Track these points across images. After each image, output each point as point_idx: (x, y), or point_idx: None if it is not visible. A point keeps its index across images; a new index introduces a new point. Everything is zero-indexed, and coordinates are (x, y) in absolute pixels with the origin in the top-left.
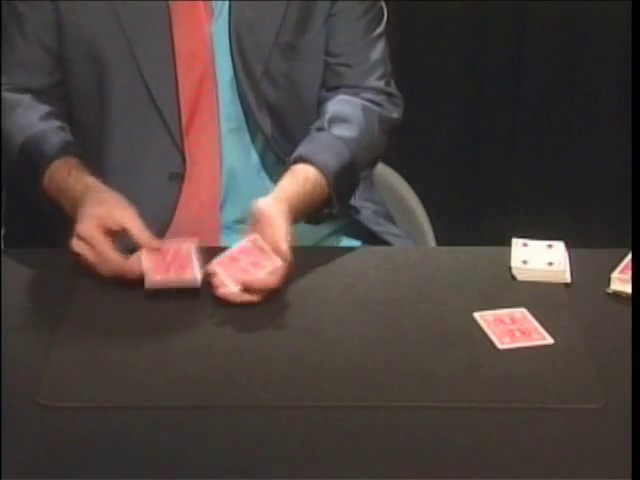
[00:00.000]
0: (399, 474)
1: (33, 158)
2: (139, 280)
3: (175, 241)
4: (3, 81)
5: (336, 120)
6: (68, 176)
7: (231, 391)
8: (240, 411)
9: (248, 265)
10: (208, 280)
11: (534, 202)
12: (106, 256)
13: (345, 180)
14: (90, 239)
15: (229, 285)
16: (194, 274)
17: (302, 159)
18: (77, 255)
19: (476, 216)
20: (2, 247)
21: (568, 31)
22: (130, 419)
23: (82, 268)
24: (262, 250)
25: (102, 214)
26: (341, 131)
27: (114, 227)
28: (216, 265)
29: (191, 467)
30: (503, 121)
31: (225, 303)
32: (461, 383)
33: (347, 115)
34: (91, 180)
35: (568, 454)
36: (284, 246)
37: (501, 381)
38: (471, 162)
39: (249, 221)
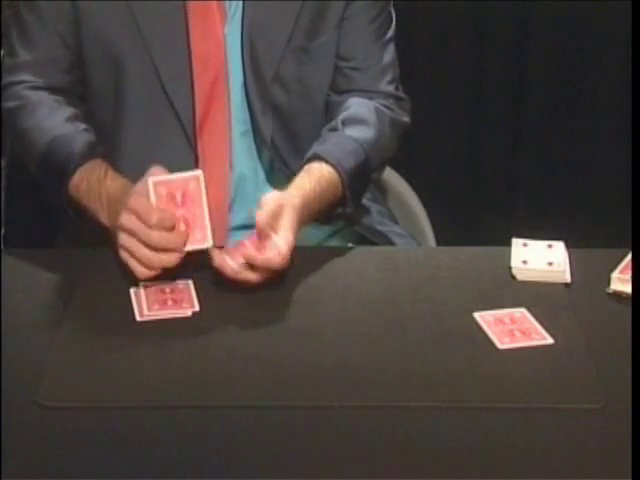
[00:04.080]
0: (399, 474)
1: (59, 159)
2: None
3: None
4: (23, 79)
5: (350, 121)
6: (104, 179)
7: (231, 391)
8: (240, 411)
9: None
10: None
11: (534, 202)
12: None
13: (358, 180)
14: (139, 209)
15: (229, 260)
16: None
17: (317, 157)
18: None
19: (476, 216)
20: (2, 247)
21: (569, 31)
22: (130, 419)
23: (82, 268)
24: (267, 237)
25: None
26: (354, 132)
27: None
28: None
29: (191, 467)
30: (503, 121)
31: (223, 277)
32: (461, 383)
33: (360, 116)
34: (124, 181)
35: (568, 454)
36: (290, 236)
37: (501, 381)
38: (471, 162)
39: (259, 209)
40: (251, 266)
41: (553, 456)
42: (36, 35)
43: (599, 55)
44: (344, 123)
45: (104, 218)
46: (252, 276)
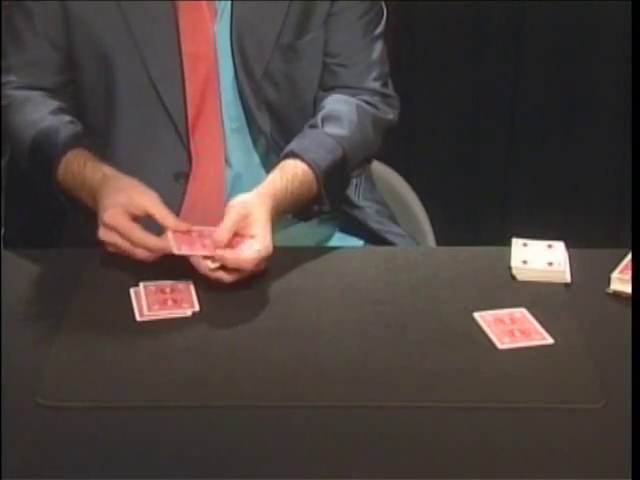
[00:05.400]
0: (399, 474)
1: (45, 151)
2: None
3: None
4: (11, 79)
5: (329, 118)
6: (84, 167)
7: (231, 391)
8: (240, 411)
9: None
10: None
11: (534, 202)
12: (137, 240)
13: (335, 177)
14: (117, 226)
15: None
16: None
17: (293, 154)
18: (106, 244)
19: (476, 216)
20: (2, 247)
21: (567, 31)
22: (130, 419)
23: (82, 268)
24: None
25: (124, 201)
26: (333, 129)
27: (138, 213)
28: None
29: (191, 467)
30: (503, 121)
31: (199, 274)
32: (461, 383)
33: (340, 113)
34: (108, 169)
35: (568, 454)
36: (266, 237)
37: (501, 381)
38: (471, 162)
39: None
40: (224, 266)
41: (553, 456)
42: (26, 38)
43: (598, 55)
44: (323, 120)
45: (91, 205)
46: (225, 276)
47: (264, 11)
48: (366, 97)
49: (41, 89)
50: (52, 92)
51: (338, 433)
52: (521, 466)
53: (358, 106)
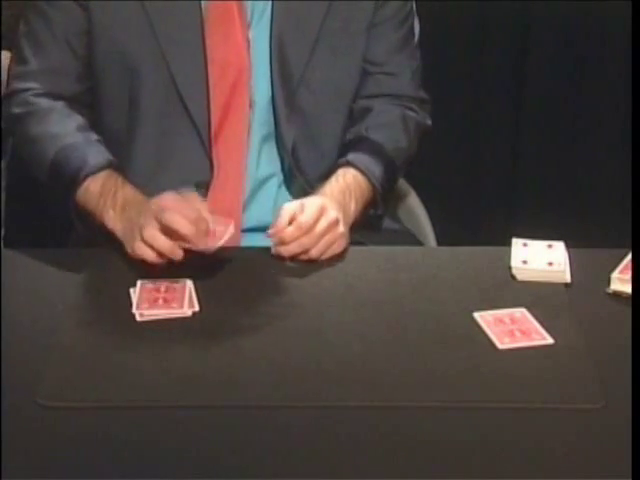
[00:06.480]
0: (399, 474)
1: (72, 167)
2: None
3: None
4: (32, 86)
5: (375, 127)
6: (123, 183)
7: (231, 391)
8: (240, 411)
9: None
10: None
11: (534, 202)
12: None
13: (386, 182)
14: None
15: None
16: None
17: (348, 164)
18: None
19: (476, 216)
20: (2, 247)
21: (571, 32)
22: (130, 419)
23: (82, 268)
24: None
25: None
26: (381, 137)
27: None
28: None
29: (191, 467)
30: (504, 121)
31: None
32: (461, 383)
33: (386, 122)
34: (128, 194)
35: (568, 454)
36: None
37: (501, 381)
38: (472, 162)
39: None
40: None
41: (553, 456)
42: (46, 44)
43: (599, 55)
44: (371, 128)
45: (110, 218)
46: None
47: (304, 17)
48: (408, 103)
49: (61, 97)
50: (71, 101)
51: (338, 433)
52: (521, 466)
53: (403, 114)
